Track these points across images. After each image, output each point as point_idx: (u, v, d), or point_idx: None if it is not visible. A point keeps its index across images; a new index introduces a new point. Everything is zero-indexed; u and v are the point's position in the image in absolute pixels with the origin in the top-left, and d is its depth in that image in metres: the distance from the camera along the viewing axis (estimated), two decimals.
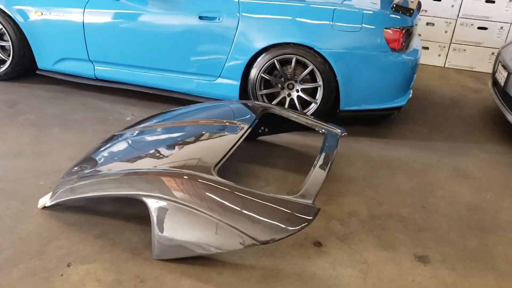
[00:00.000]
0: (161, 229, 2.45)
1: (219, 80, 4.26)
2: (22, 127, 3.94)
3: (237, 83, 4.20)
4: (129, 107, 4.51)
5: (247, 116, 3.29)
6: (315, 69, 3.93)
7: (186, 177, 2.50)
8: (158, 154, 2.82)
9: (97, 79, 4.68)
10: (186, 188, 2.47)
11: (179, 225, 2.44)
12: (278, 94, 4.18)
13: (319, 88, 4.00)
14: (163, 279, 2.36)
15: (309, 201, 2.45)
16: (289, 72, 4.03)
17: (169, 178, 2.52)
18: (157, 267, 2.42)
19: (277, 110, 3.50)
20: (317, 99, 4.03)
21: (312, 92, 4.13)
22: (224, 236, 2.37)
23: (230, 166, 3.49)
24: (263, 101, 4.16)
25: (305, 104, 4.13)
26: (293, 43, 3.94)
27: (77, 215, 2.79)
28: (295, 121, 3.48)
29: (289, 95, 4.13)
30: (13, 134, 3.83)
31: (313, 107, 4.07)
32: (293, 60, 3.96)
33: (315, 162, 2.87)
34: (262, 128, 3.83)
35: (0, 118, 4.09)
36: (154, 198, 2.48)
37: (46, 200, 2.81)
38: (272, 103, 4.13)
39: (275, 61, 3.99)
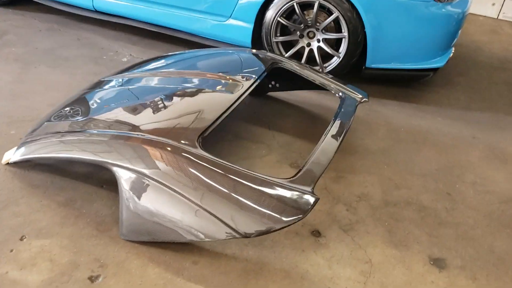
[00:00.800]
0: (131, 206, 2.13)
1: (230, 21, 3.76)
2: (5, 62, 3.59)
3: (250, 26, 3.68)
4: (128, 46, 4.09)
5: (254, 69, 2.84)
6: (341, 17, 3.37)
7: (162, 148, 2.14)
8: (138, 114, 2.43)
9: (95, 11, 4.22)
10: (161, 162, 2.11)
11: (151, 204, 2.10)
12: (296, 43, 3.66)
13: (343, 39, 3.46)
14: (127, 266, 2.04)
15: (307, 188, 2.05)
16: (310, 18, 3.50)
17: (144, 147, 2.16)
18: (123, 250, 2.11)
19: (289, 65, 3.03)
20: (340, 52, 3.51)
21: (335, 44, 3.61)
22: (201, 223, 2.02)
23: (230, 127, 3.10)
24: (278, 49, 3.68)
25: (326, 57, 3.61)
26: None
27: (44, 175, 2.48)
28: (308, 79, 3.03)
29: (308, 45, 3.61)
30: None
31: (335, 61, 3.55)
32: (316, 4, 3.41)
33: (327, 130, 2.45)
34: (273, 83, 3.36)
35: None
36: (125, 169, 2.14)
37: (11, 155, 2.52)
38: (289, 52, 3.65)
39: (295, 3, 3.45)
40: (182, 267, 2.06)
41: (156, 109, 2.45)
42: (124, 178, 2.13)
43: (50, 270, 1.98)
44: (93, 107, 2.63)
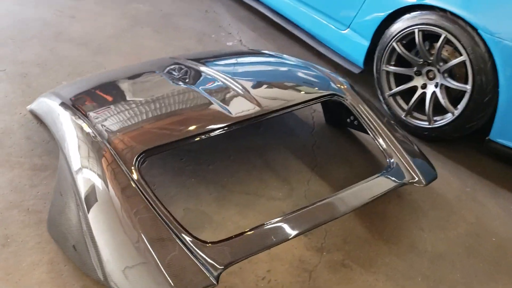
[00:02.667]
0: (55, 199, 1.98)
1: (348, 31, 3.18)
2: (121, 16, 3.77)
3: (366, 43, 3.04)
4: (245, 31, 3.89)
5: (292, 93, 2.38)
6: (468, 63, 2.50)
7: (98, 151, 1.87)
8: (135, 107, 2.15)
9: None
10: (87, 174, 1.83)
11: (61, 208, 1.90)
12: (409, 79, 2.88)
13: (466, 93, 2.61)
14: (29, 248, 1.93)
15: (216, 267, 1.60)
16: (434, 53, 2.70)
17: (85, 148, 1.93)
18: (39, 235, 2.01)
19: (349, 102, 2.37)
20: (457, 109, 2.63)
21: (455, 96, 2.74)
22: (85, 260, 1.73)
23: (266, 150, 2.65)
24: (387, 81, 2.93)
25: (439, 108, 2.76)
26: (451, 12, 2.54)
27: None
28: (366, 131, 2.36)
29: (423, 86, 2.79)
30: (108, 20, 3.70)
31: (448, 117, 2.68)
32: (442, 38, 2.59)
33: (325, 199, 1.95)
34: (352, 118, 2.69)
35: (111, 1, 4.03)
36: (63, 157, 1.97)
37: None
38: (399, 88, 2.88)
39: (416, 30, 2.70)
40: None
41: (143, 108, 2.15)
42: (60, 165, 1.98)
43: None
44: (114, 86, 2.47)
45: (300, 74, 2.58)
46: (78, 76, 3.06)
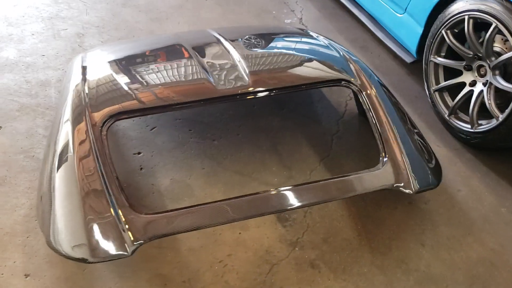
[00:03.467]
0: (45, 149, 2.13)
1: (405, 16, 2.83)
2: None
3: (420, 30, 2.68)
4: (310, 10, 3.70)
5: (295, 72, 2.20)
6: None
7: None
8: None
9: None
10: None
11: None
12: (458, 73, 2.50)
13: None
14: None
15: (139, 239, 1.59)
16: (484, 44, 2.30)
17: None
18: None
19: (357, 89, 2.12)
20: (503, 114, 2.21)
21: (508, 100, 2.30)
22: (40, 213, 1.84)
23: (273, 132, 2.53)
24: (435, 73, 2.59)
25: (485, 111, 2.35)
26: None
27: None
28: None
29: (472, 83, 2.40)
30: None
31: (492, 124, 2.26)
32: (492, 28, 2.20)
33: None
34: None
35: None
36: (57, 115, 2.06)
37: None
38: (446, 83, 2.53)
39: (466, 16, 2.31)
40: None
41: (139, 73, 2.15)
42: None
43: None
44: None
45: (312, 55, 2.36)
46: (119, 39, 3.20)
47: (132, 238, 1.60)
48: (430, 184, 1.91)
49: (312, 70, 2.23)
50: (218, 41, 2.39)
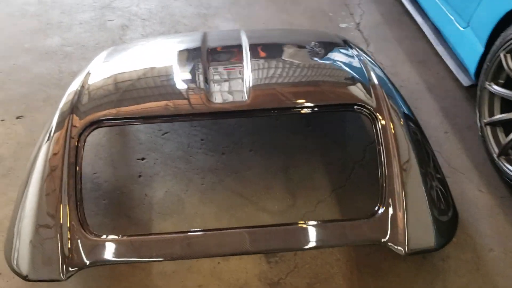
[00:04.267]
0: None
1: (467, 30, 2.41)
2: None
3: (480, 48, 2.26)
4: (372, 14, 3.37)
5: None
6: None
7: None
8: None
9: None
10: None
11: None
12: None
13: None
14: None
15: (77, 264, 1.49)
16: None
17: None
18: None
19: (372, 117, 1.80)
20: None
21: None
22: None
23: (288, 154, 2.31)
24: (489, 105, 2.17)
25: None
26: None
27: None
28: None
29: None
30: None
31: None
32: None
33: None
34: None
35: None
36: None
37: None
38: (500, 116, 2.11)
39: None
40: None
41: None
42: None
43: None
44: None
45: (331, 74, 2.08)
46: (160, 33, 3.14)
47: (71, 263, 1.51)
48: (430, 245, 1.57)
49: (325, 91, 1.94)
50: (239, 47, 2.21)
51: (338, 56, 2.25)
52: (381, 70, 2.19)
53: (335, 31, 3.23)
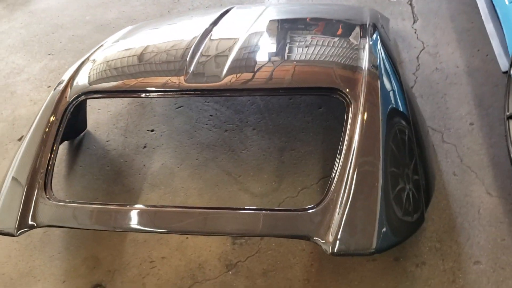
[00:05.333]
0: None
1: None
2: None
3: None
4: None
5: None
6: None
7: None
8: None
9: None
10: None
11: None
12: None
13: None
14: None
15: (29, 224, 1.62)
16: None
17: None
18: None
19: (349, 113, 1.63)
20: None
21: None
22: None
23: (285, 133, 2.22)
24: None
25: None
26: None
27: None
28: None
29: None
30: None
31: None
32: None
33: None
34: None
35: None
36: None
37: None
38: None
39: None
40: None
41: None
42: None
43: None
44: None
45: (319, 55, 1.89)
46: (206, 7, 3.12)
47: (25, 221, 1.64)
48: (367, 248, 1.40)
49: (300, 73, 1.82)
50: (245, 25, 2.17)
51: (339, 39, 2.09)
52: (389, 60, 1.96)
53: (384, 5, 2.98)
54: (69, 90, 1.98)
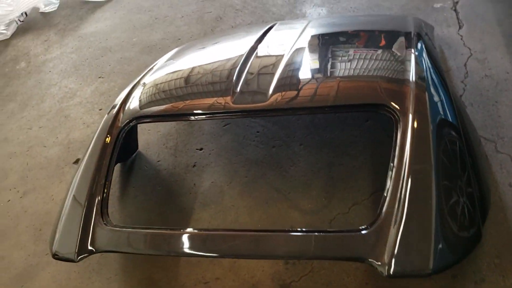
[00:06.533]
0: None
1: None
2: None
3: None
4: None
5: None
6: None
7: None
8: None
9: None
10: None
11: None
12: None
13: None
14: None
15: (88, 249, 1.67)
16: None
17: None
18: None
19: (399, 129, 1.59)
20: None
21: None
22: None
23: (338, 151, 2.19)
24: None
25: None
26: None
27: None
28: None
29: None
30: None
31: None
32: None
33: None
34: None
35: None
36: None
37: None
38: None
39: None
40: None
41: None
42: None
43: None
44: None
45: (364, 69, 1.84)
46: (248, 24, 3.15)
47: (85, 247, 1.68)
48: (424, 270, 1.34)
49: (345, 90, 1.77)
50: (288, 42, 2.15)
51: (384, 51, 2.03)
52: (435, 70, 1.89)
53: (427, 12, 2.89)
54: (121, 114, 2.05)
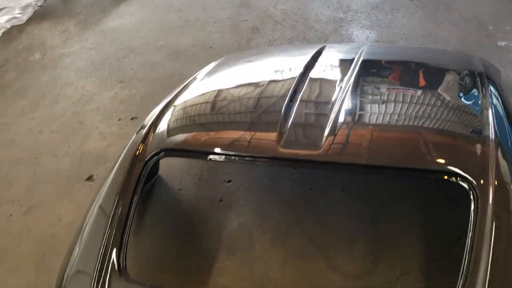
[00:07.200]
0: None
1: None
2: None
3: None
4: None
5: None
6: None
7: None
8: None
9: None
10: None
11: None
12: None
13: None
14: None
15: None
16: None
17: None
18: None
19: (477, 207, 1.34)
20: None
21: None
22: None
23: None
24: None
25: None
26: None
27: None
28: None
29: None
30: None
31: None
32: None
33: None
34: None
35: None
36: None
37: None
38: None
39: None
40: None
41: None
42: None
43: None
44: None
45: (431, 119, 1.59)
46: (288, 40, 2.93)
47: None
48: None
49: (409, 150, 1.53)
50: (343, 74, 1.91)
51: (457, 98, 1.77)
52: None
53: (490, 50, 2.62)
54: (150, 140, 1.80)
